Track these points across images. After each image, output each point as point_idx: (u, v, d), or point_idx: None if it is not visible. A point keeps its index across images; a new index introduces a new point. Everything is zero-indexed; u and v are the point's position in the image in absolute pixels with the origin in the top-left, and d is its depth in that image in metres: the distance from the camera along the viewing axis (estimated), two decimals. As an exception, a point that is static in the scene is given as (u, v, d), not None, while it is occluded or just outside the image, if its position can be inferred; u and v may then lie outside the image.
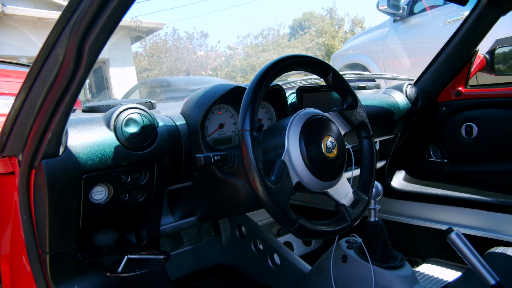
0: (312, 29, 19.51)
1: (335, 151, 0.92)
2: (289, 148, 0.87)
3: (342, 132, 1.00)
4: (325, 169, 0.91)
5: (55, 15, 8.00)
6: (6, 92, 3.66)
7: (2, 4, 7.25)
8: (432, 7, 4.11)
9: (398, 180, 1.91)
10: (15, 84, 3.81)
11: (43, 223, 0.88)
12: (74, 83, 0.72)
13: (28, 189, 0.86)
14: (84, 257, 0.99)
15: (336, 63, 5.30)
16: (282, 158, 0.86)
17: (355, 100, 1.04)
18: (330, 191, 0.94)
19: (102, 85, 11.33)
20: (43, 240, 0.89)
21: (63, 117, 0.77)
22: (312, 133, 0.91)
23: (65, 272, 0.95)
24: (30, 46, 7.93)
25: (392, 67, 4.49)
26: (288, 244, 2.01)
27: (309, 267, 1.42)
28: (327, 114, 0.99)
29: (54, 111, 0.76)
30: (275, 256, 1.54)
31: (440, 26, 3.91)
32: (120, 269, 0.92)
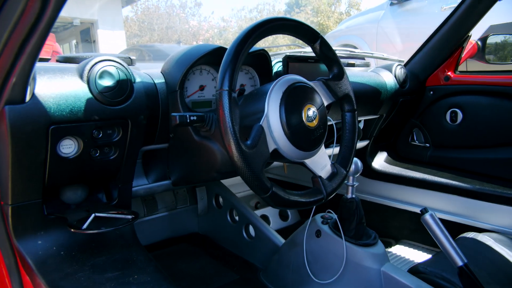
0: (308, 7, 19.22)
1: (315, 121, 0.89)
2: (268, 114, 0.84)
3: (326, 103, 0.97)
4: (304, 138, 0.88)
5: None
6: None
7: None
8: (430, -8, 4.06)
9: (379, 161, 1.91)
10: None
11: (5, 174, 0.84)
12: (43, 21, 0.66)
13: None
14: (49, 212, 0.96)
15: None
16: (260, 123, 0.83)
17: (341, 71, 1.01)
18: (308, 161, 0.92)
19: (90, 48, 11.01)
20: (5, 191, 0.86)
21: (29, 60, 0.71)
22: (294, 100, 0.87)
23: (29, 226, 0.92)
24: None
25: (385, 51, 4.45)
26: (264, 217, 2.00)
27: (283, 241, 1.42)
28: (310, 83, 0.95)
29: (19, 52, 0.70)
30: (250, 228, 1.53)
31: (436, 12, 3.87)
32: (85, 226, 0.89)
